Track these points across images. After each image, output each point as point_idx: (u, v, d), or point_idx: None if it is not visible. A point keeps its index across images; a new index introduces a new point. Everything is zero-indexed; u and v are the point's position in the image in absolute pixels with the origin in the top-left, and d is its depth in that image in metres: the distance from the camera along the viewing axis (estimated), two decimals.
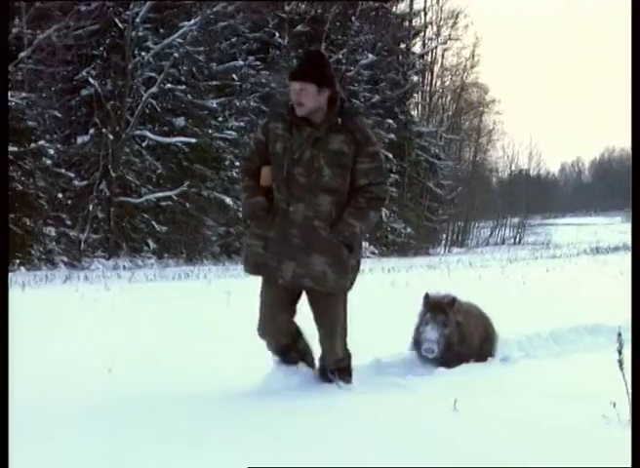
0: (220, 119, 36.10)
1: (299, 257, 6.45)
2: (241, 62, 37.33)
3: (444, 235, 60.92)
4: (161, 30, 34.88)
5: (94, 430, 5.45)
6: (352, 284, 6.71)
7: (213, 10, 35.10)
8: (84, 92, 32.91)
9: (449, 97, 63.57)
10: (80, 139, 32.69)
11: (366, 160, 6.47)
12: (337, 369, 6.76)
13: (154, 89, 33.53)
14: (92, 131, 32.73)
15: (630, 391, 5.14)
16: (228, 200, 35.54)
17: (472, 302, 8.36)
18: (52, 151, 29.87)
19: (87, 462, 4.69)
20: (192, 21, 34.55)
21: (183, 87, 34.77)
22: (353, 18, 44.00)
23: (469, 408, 5.81)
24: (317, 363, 6.91)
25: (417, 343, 7.80)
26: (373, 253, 43.07)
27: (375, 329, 9.74)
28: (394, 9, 52.37)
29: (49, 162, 29.67)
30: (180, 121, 34.36)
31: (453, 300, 7.77)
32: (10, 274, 24.03)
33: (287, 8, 40.80)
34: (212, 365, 7.88)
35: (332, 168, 6.42)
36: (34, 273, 25.70)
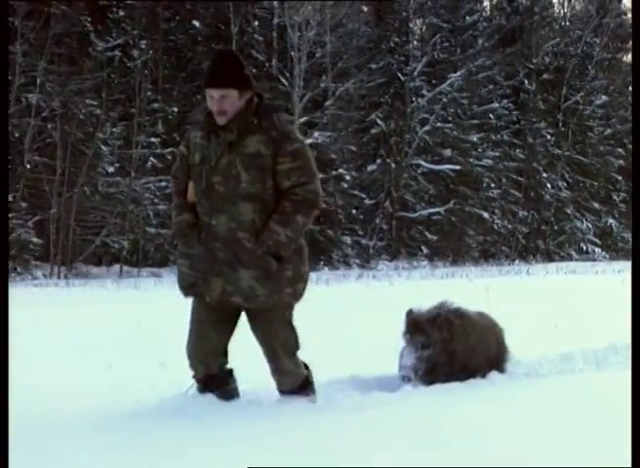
0: (480, 150, 36.24)
1: (225, 273, 4.82)
2: (497, 105, 37.33)
3: None
4: (433, 81, 35.47)
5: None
6: (298, 296, 4.99)
7: (475, 63, 35.51)
8: (373, 131, 33.80)
9: None
10: (369, 168, 33.59)
11: (286, 159, 4.81)
12: (296, 387, 5.05)
13: (427, 127, 34.19)
14: (378, 161, 33.63)
15: (630, 391, 4.31)
16: (485, 214, 35.68)
17: (485, 313, 6.29)
18: (348, 177, 31.12)
19: None
20: (458, 73, 35.10)
21: (450, 125, 35.14)
22: (589, 67, 43.34)
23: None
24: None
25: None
26: (604, 257, 42.33)
27: (607, 319, 9.33)
28: (624, 58, 51.20)
29: (345, 185, 30.94)
30: (448, 152, 34.63)
31: (435, 316, 5.78)
32: (317, 273, 24.65)
33: (534, 60, 40.56)
34: None
35: (249, 172, 4.80)
36: (334, 272, 26.54)
